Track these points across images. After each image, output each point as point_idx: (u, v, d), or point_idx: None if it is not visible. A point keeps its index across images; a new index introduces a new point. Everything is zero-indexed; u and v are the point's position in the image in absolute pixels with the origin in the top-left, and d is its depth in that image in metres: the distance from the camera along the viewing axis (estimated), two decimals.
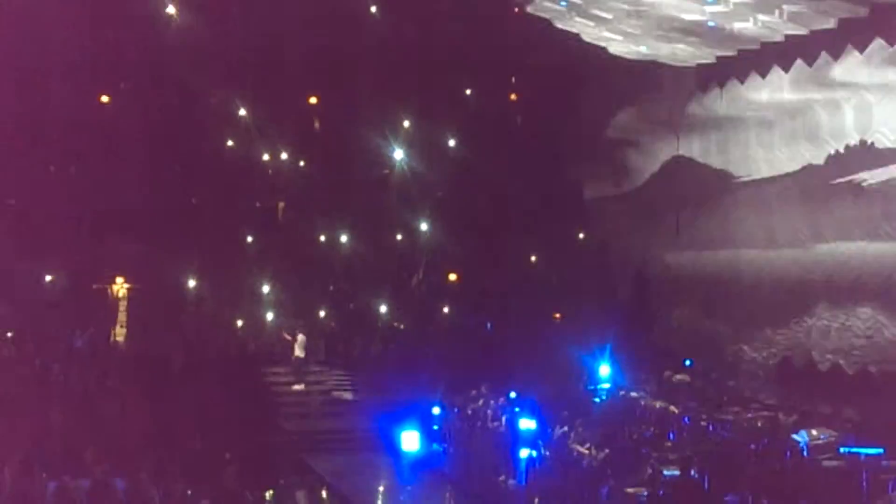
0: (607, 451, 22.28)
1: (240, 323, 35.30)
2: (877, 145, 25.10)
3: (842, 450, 22.32)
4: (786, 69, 27.13)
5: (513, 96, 38.24)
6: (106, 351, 32.65)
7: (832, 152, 26.57)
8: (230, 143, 37.20)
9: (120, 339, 34.31)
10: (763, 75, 27.98)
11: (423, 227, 37.31)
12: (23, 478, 22.96)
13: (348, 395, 32.48)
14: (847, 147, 25.99)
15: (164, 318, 34.10)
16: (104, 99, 36.50)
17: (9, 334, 32.30)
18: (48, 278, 35.28)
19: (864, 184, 25.58)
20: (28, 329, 32.59)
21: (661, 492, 20.49)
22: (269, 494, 25.41)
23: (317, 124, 38.26)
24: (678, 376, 29.74)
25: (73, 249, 35.46)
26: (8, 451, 24.48)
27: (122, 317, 35.24)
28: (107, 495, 22.76)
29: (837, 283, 26.97)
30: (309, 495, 26.29)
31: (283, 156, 37.81)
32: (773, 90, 27.91)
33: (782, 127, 28.02)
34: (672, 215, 31.90)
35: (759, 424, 25.30)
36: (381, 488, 25.87)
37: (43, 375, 30.03)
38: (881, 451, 21.78)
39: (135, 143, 35.44)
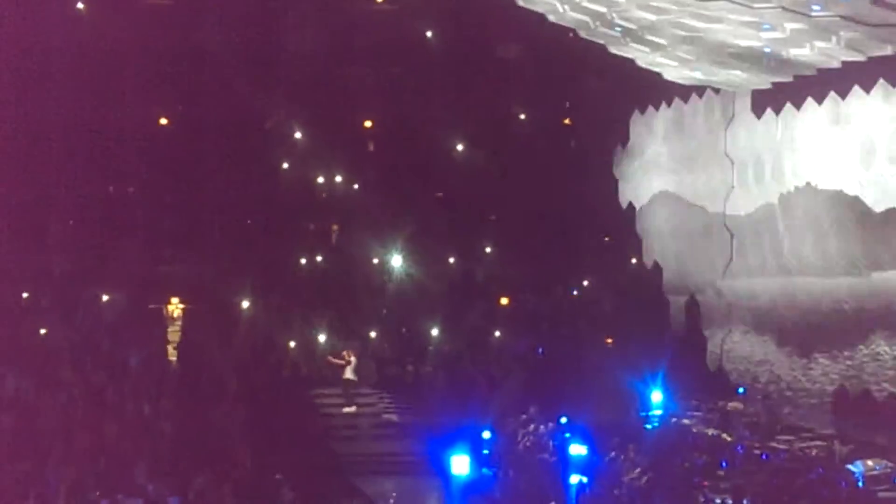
0: (658, 478, 22.09)
1: (292, 344, 35.45)
2: None
3: None
4: (843, 96, 27.00)
5: (567, 121, 38.24)
6: (160, 372, 32.88)
7: (890, 179, 26.31)
8: (285, 165, 37.51)
9: (174, 359, 34.54)
10: (819, 102, 27.85)
11: (476, 250, 37.35)
12: (77, 496, 23.28)
13: (399, 418, 32.48)
14: None
15: (217, 338, 34.32)
16: (163, 121, 36.97)
17: (66, 356, 32.64)
18: (105, 298, 35.67)
19: None
20: (85, 350, 32.94)
21: None
22: None
23: (371, 147, 38.49)
24: (731, 404, 29.48)
25: (130, 270, 35.88)
26: (64, 471, 24.85)
27: (176, 337, 35.49)
28: None
29: (894, 312, 26.67)
30: None
31: (338, 178, 38.06)
32: (828, 116, 27.76)
33: (836, 153, 27.78)
34: (726, 240, 31.70)
35: (814, 454, 25.03)
36: None
37: (98, 396, 30.32)
38: None
39: (192, 166, 35.92)
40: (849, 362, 28.05)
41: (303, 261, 37.27)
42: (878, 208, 26.67)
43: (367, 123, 37.94)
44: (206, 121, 36.26)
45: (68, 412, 28.68)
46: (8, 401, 29.29)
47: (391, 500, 26.49)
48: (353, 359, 33.35)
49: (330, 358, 33.59)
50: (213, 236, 36.08)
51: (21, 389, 30.10)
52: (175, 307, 37.32)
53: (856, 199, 27.26)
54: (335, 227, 38.76)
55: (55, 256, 35.46)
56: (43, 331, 33.74)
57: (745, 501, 20.85)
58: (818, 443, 25.79)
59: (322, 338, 35.33)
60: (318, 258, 37.30)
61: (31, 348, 32.52)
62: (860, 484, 22.24)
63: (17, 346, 31.93)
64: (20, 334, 33.01)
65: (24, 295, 35.14)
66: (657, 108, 33.96)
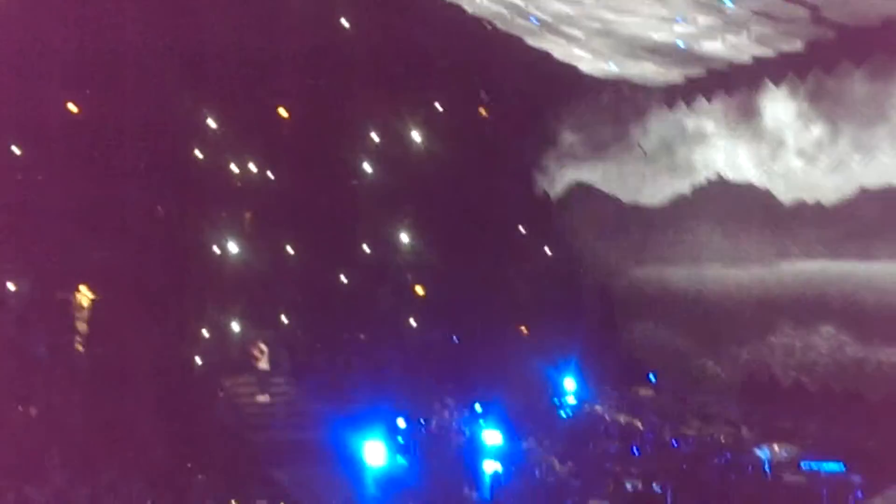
0: (571, 464, 22.36)
1: (205, 333, 35.12)
2: (843, 166, 25.47)
3: (803, 465, 22.54)
4: (754, 90, 27.54)
5: (483, 111, 38.34)
6: (68, 361, 32.39)
7: (799, 172, 26.92)
8: (198, 153, 37.07)
9: (82, 349, 33.97)
10: (731, 95, 28.39)
11: (391, 238, 37.33)
12: None
13: (312, 406, 32.37)
14: (813, 166, 26.34)
15: (127, 328, 33.84)
16: (72, 108, 36.30)
17: None
18: (11, 288, 34.98)
19: (827, 203, 25.98)
20: None
21: None
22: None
23: (286, 135, 38.18)
24: (642, 391, 29.92)
25: (36, 257, 35.21)
26: None
27: (84, 326, 34.89)
28: None
29: (801, 301, 27.29)
30: None
31: (251, 166, 37.73)
32: (741, 109, 28.29)
33: (748, 145, 28.34)
34: (638, 231, 32.17)
35: (723, 439, 25.53)
36: (344, 501, 25.74)
37: (4, 386, 29.76)
38: (842, 466, 22.01)
39: (101, 151, 35.31)
40: (757, 350, 28.63)
41: (215, 249, 36.86)
42: (787, 200, 27.28)
43: (283, 112, 37.63)
44: (117, 108, 35.62)
45: None
46: None
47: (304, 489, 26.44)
48: (264, 347, 33.22)
49: (253, 362, 33.42)
50: (123, 223, 35.48)
51: None
52: (83, 296, 36.69)
53: (765, 192, 27.84)
54: (248, 215, 38.38)
55: None
56: None
57: (655, 486, 21.17)
58: (726, 428, 26.29)
59: (235, 326, 35.05)
60: (231, 246, 36.89)
61: None
62: (767, 468, 22.71)
63: None
64: None
65: None
66: (573, 101, 34.28)
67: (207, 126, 36.86)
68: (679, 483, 22.08)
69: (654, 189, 31.58)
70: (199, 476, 25.30)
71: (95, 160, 35.23)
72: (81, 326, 34.48)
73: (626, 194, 32.57)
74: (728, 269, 29.58)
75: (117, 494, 23.58)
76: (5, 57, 32.51)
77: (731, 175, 28.95)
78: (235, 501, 25.54)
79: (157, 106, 35.50)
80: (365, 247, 37.57)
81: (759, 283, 28.58)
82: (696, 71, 27.40)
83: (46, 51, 33.80)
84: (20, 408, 28.64)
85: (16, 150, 35.35)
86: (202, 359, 33.95)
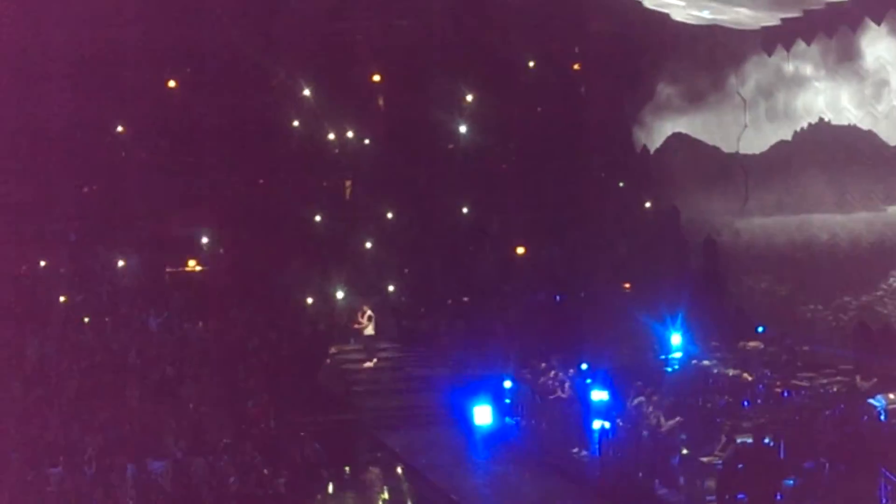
0: (680, 420, 22.12)
1: (310, 301, 35.53)
2: None
3: None
4: (854, 29, 26.77)
5: (576, 66, 37.95)
6: (181, 334, 33.03)
7: None
8: (296, 123, 37.41)
9: (194, 321, 34.60)
10: (830, 36, 27.62)
11: (490, 200, 37.30)
12: (104, 461, 23.48)
13: (420, 371, 32.60)
14: None
15: (236, 299, 34.42)
16: (171, 84, 36.87)
17: (85, 320, 32.81)
18: (121, 263, 35.79)
19: None
20: (104, 315, 33.10)
21: (736, 460, 20.33)
22: (344, 471, 25.64)
23: (381, 101, 38.32)
24: (751, 343, 29.41)
25: (146, 233, 35.98)
26: (89, 436, 25.05)
27: (195, 299, 35.52)
28: (185, 476, 23.21)
29: None
30: (383, 471, 26.47)
31: (349, 134, 37.96)
32: (841, 50, 27.55)
33: (850, 87, 27.58)
34: (740, 180, 31.60)
35: (835, 390, 24.99)
36: (455, 463, 25.91)
37: (120, 360, 30.51)
38: None
39: (203, 127, 35.85)
40: (868, 297, 27.99)
41: (317, 217, 37.22)
42: (893, 142, 26.51)
43: (376, 77, 37.73)
44: (214, 84, 36.12)
45: (92, 378, 28.88)
46: (31, 368, 29.52)
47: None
48: (371, 314, 33.48)
49: (355, 325, 33.68)
50: (227, 197, 36.04)
51: (44, 357, 30.33)
52: (193, 269, 37.40)
53: (870, 134, 27.08)
54: (348, 183, 38.68)
55: (71, 223, 35.56)
56: (62, 298, 33.93)
57: (766, 440, 20.83)
58: (839, 378, 25.75)
59: (340, 294, 35.37)
60: (332, 214, 37.21)
61: (52, 315, 32.73)
62: (882, 417, 22.20)
63: (38, 314, 32.15)
64: (40, 302, 33.23)
65: (42, 263, 35.27)
66: (668, 49, 33.68)
67: (304, 96, 37.16)
68: (791, 435, 21.70)
69: (755, 137, 30.93)
70: (314, 444, 25.62)
71: (198, 135, 35.81)
72: (191, 299, 35.09)
73: (726, 144, 31.96)
74: (835, 216, 28.90)
75: (233, 463, 23.95)
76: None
77: (833, 119, 28.20)
78: (349, 468, 25.87)
79: (253, 79, 35.94)
80: (464, 209, 37.61)
81: (868, 229, 27.87)
82: (793, 13, 26.62)
83: (152, 31, 34.40)
84: (135, 382, 29.21)
85: (114, 125, 36.09)
86: (310, 327, 34.33)
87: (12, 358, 29.55)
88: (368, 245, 37.00)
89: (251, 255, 35.73)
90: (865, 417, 22.29)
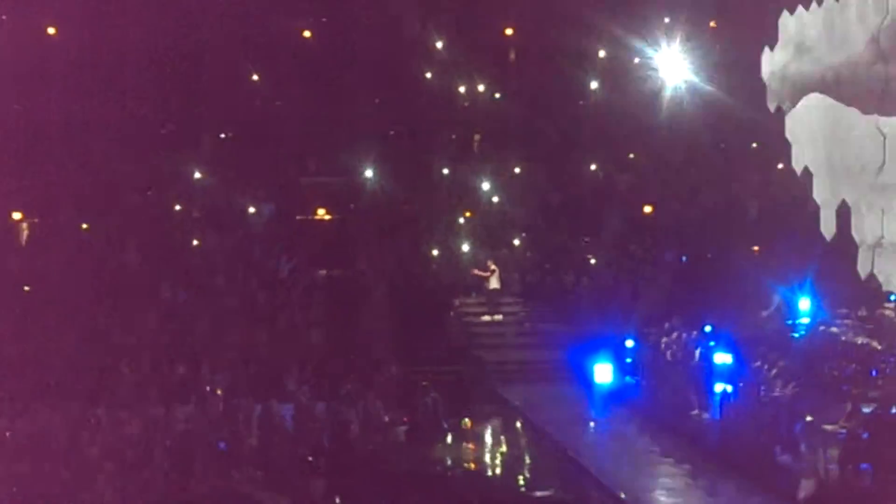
0: (804, 387, 21.81)
1: (436, 253, 35.77)
2: None
3: None
4: None
5: (712, 23, 37.21)
6: (310, 280, 33.63)
7: None
8: (428, 74, 37.53)
9: (323, 268, 35.19)
10: None
11: (619, 158, 36.97)
12: (232, 401, 24.20)
13: (543, 327, 32.63)
14: None
15: (364, 247, 34.84)
16: (306, 34, 37.30)
17: (217, 265, 33.61)
18: (252, 210, 36.50)
19: None
20: (235, 260, 33.85)
21: (861, 429, 19.96)
22: (464, 423, 25.87)
23: (512, 56, 38.19)
24: (883, 311, 28.72)
25: (277, 182, 36.61)
26: (218, 377, 25.83)
27: (324, 247, 36.06)
28: (309, 418, 23.77)
29: None
30: (503, 425, 26.67)
31: (480, 88, 37.95)
32: None
33: None
34: (879, 145, 30.63)
35: None
36: (574, 420, 25.97)
37: (250, 305, 31.24)
38: None
39: (336, 78, 36.22)
40: None
41: (445, 171, 37.38)
42: None
43: (508, 31, 37.60)
44: (348, 33, 36.44)
45: (222, 320, 29.67)
46: (166, 309, 30.44)
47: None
48: (496, 268, 33.56)
49: (476, 271, 33.78)
50: (355, 148, 36.42)
51: (177, 298, 31.25)
52: (322, 218, 37.93)
53: None
54: (477, 137, 38.70)
55: (206, 169, 36.35)
56: (195, 241, 34.80)
57: (893, 409, 20.39)
58: None
59: (466, 247, 35.53)
60: (461, 167, 37.31)
61: (186, 258, 33.63)
62: None
63: (172, 257, 33.06)
64: (174, 245, 34.13)
65: (177, 207, 36.17)
66: (807, 7, 32.81)
67: (437, 48, 37.23)
68: None
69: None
70: (433, 394, 25.91)
71: (331, 86, 36.17)
72: (321, 247, 35.63)
73: (864, 104, 30.99)
74: None
75: (355, 409, 24.39)
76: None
77: None
78: (469, 420, 26.10)
79: (387, 30, 36.13)
80: (593, 167, 37.37)
81: None
82: None
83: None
84: (263, 327, 29.92)
85: (251, 73, 36.64)
86: (435, 279, 34.56)
87: (148, 298, 30.50)
88: (495, 199, 37.03)
89: (379, 203, 36.11)
90: None
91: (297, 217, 37.53)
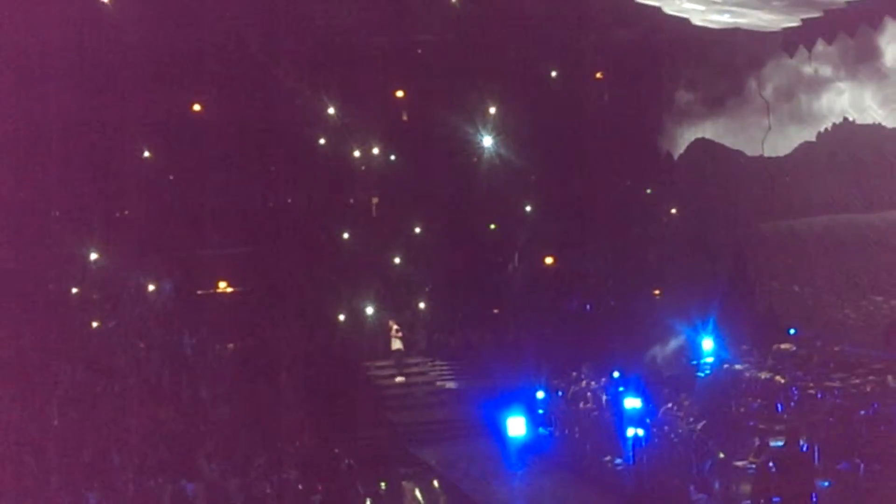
0: (712, 425, 22.08)
1: (341, 318, 35.63)
2: None
3: None
4: (874, 27, 26.73)
5: (598, 74, 37.97)
6: (214, 355, 33.18)
7: None
8: (321, 141, 37.58)
9: (227, 342, 34.76)
10: (852, 35, 27.60)
11: (517, 212, 37.31)
12: (142, 482, 23.64)
13: (451, 385, 32.63)
14: None
15: (267, 318, 34.55)
16: (196, 107, 37.11)
17: (118, 345, 33.00)
18: (152, 287, 36.00)
19: None
20: (137, 339, 33.27)
21: (770, 464, 20.26)
22: (380, 486, 25.65)
23: (405, 117, 38.45)
24: (783, 346, 29.32)
25: (175, 257, 36.18)
26: (127, 457, 25.23)
27: (226, 320, 35.65)
28: (222, 495, 23.31)
29: None
30: (419, 485, 26.49)
31: (374, 150, 38.12)
32: (862, 49, 27.50)
33: (872, 86, 27.53)
34: (766, 183, 31.55)
35: (868, 389, 24.87)
36: (490, 474, 25.91)
37: (155, 383, 30.68)
38: None
39: (229, 149, 36.05)
40: None
41: (345, 235, 37.35)
42: None
43: (399, 94, 37.88)
44: (239, 104, 36.35)
45: (127, 401, 29.06)
46: (67, 393, 29.73)
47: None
48: (398, 328, 33.57)
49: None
50: (254, 217, 36.23)
51: (79, 381, 30.55)
52: (223, 291, 37.54)
53: (895, 132, 27.02)
54: (375, 200, 38.78)
55: (101, 249, 35.78)
56: (95, 323, 34.15)
57: (801, 442, 20.75)
58: (872, 378, 25.62)
59: (370, 310, 35.46)
60: (360, 231, 37.32)
61: (85, 341, 32.94)
62: None
63: (71, 340, 32.36)
64: (73, 328, 33.43)
65: (74, 290, 35.51)
66: (688, 56, 33.75)
67: (328, 113, 37.33)
68: (825, 437, 21.62)
69: (778, 139, 30.89)
70: (347, 461, 25.64)
71: (225, 158, 35.99)
72: (223, 320, 35.20)
73: (749, 147, 31.93)
74: (862, 216, 28.81)
75: (269, 483, 24.03)
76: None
77: (857, 118, 28.15)
78: (385, 483, 25.87)
79: (278, 96, 36.12)
80: (492, 222, 37.64)
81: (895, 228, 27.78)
82: (813, 13, 26.63)
83: (166, 44, 34.60)
84: (169, 404, 29.38)
85: (142, 149, 36.34)
86: (341, 345, 34.38)
87: (48, 383, 29.78)
88: (397, 260, 37.08)
89: (281, 273, 35.87)
90: None
91: (199, 291, 37.09)
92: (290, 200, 37.87)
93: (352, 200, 38.64)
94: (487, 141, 37.02)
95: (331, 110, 37.38)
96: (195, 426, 27.97)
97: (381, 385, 32.97)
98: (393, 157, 38.13)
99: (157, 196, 36.03)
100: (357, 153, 38.09)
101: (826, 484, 19.70)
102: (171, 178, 37.09)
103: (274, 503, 23.18)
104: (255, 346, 33.47)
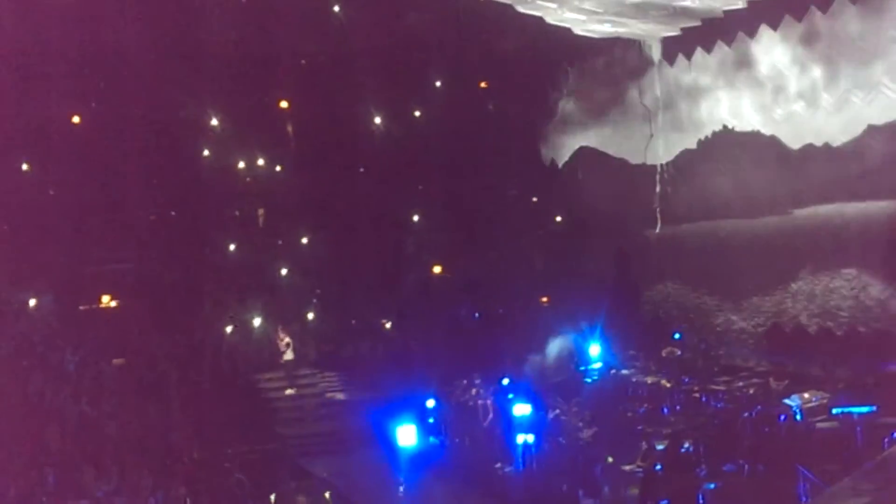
0: (601, 430, 22.37)
1: (229, 330, 35.23)
2: (847, 106, 25.33)
3: (835, 411, 22.45)
4: (751, 36, 27.36)
5: (483, 84, 38.22)
6: (98, 371, 32.51)
7: (804, 115, 26.74)
8: (206, 153, 37.15)
9: (111, 357, 34.09)
10: (729, 44, 28.21)
11: (405, 221, 37.33)
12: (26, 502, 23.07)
13: (341, 396, 32.51)
14: (817, 109, 26.21)
15: (153, 332, 34.00)
16: (75, 119, 36.37)
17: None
18: (33, 303, 35.15)
19: (836, 144, 25.85)
20: (18, 356, 32.43)
21: (657, 466, 20.60)
22: (270, 500, 25.43)
23: (290, 128, 38.19)
24: (668, 350, 29.85)
25: (56, 272, 35.38)
26: (9, 478, 24.56)
27: (111, 335, 34.97)
28: None
29: (820, 246, 27.16)
30: (310, 498, 26.32)
31: (260, 161, 37.81)
32: (739, 57, 28.14)
33: (750, 94, 28.15)
34: (649, 190, 32.06)
35: (752, 392, 25.45)
36: (380, 485, 25.85)
37: (37, 401, 29.93)
38: (873, 408, 21.91)
39: (110, 161, 35.37)
40: (779, 299, 28.51)
41: (232, 247, 36.96)
42: (795, 145, 27.09)
43: (284, 104, 37.63)
44: (119, 115, 35.69)
45: (8, 421, 28.29)
46: None
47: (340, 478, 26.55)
48: (289, 340, 33.35)
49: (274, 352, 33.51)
50: (139, 231, 35.63)
51: None
52: (107, 305, 36.84)
53: (773, 139, 27.66)
54: (261, 211, 38.44)
55: None
56: None
57: (686, 445, 21.14)
58: (755, 381, 26.21)
59: (257, 322, 35.14)
60: (247, 243, 36.96)
61: None
62: (798, 417, 22.63)
63: None
64: None
65: None
66: (571, 64, 34.18)
67: (211, 125, 36.92)
68: (711, 439, 22.06)
69: (660, 147, 31.43)
70: (237, 475, 25.37)
71: (106, 171, 35.32)
72: (107, 336, 34.54)
73: (632, 155, 32.44)
74: (743, 221, 29.45)
75: (157, 500, 23.65)
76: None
77: (736, 125, 28.78)
78: (275, 497, 25.65)
79: (159, 108, 35.58)
80: (380, 231, 37.59)
81: (776, 232, 28.44)
82: (692, 23, 27.17)
83: (42, 54, 33.83)
84: (52, 422, 28.70)
85: (21, 162, 35.50)
86: (229, 358, 34.02)
87: None
88: (284, 272, 36.80)
89: (166, 287, 35.35)
90: (783, 417, 22.71)
91: (81, 307, 36.33)
92: (173, 213, 37.33)
93: (237, 212, 38.24)
94: (373, 151, 36.98)
95: (214, 121, 36.97)
96: (81, 445, 27.39)
97: (271, 398, 32.67)
98: (279, 168, 37.85)
99: (37, 210, 35.17)
100: (242, 164, 37.73)
101: (712, 486, 20.06)
102: (52, 192, 36.24)
103: None
104: (141, 361, 32.91)
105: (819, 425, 22.20)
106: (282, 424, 31.11)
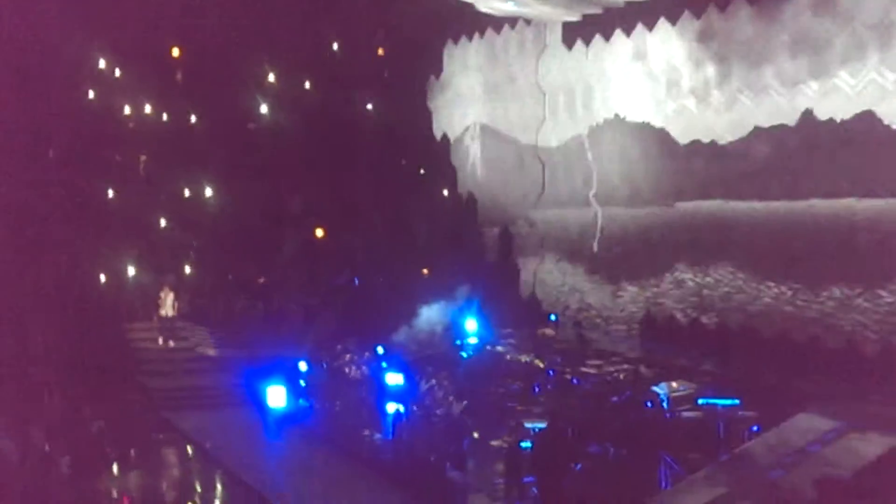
0: (472, 404, 22.47)
1: (102, 279, 34.44)
2: (736, 106, 25.85)
3: (700, 401, 22.89)
4: (650, 28, 27.68)
5: (380, 51, 37.98)
6: None
7: (694, 111, 27.18)
8: (91, 94, 36.20)
9: None
10: (628, 34, 28.49)
11: (290, 182, 36.92)
12: None
13: (213, 352, 32.08)
14: (707, 106, 26.67)
15: (20, 275, 33.04)
16: None
17: None
18: None
19: (722, 142, 26.33)
20: None
21: (524, 444, 20.76)
22: (131, 452, 24.96)
23: (179, 76, 37.43)
24: (542, 331, 30.13)
25: None
26: None
27: None
28: None
29: (698, 240, 27.67)
30: (172, 452, 25.93)
31: (146, 108, 36.99)
32: (636, 49, 28.43)
33: (644, 86, 28.50)
34: (537, 171, 32.28)
35: (622, 377, 25.82)
36: (245, 445, 25.58)
37: None
38: (737, 402, 22.43)
39: None
40: (655, 289, 29.00)
41: (110, 193, 36.11)
42: (683, 140, 27.54)
43: (175, 52, 36.85)
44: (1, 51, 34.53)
45: None
46: None
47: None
48: (167, 292, 32.79)
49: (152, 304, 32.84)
50: (13, 166, 34.53)
51: None
52: None
53: (662, 131, 28.06)
54: (143, 158, 37.60)
55: None
56: None
57: (555, 424, 21.31)
58: (626, 366, 26.61)
59: (132, 271, 34.44)
60: (126, 190, 36.13)
61: None
62: (665, 405, 23.02)
63: None
64: None
65: None
66: (470, 39, 34.17)
67: (100, 68, 36.01)
68: (579, 420, 22.30)
69: (553, 130, 31.65)
70: (97, 423, 24.87)
71: None
72: None
73: (524, 135, 32.61)
74: (626, 209, 29.85)
75: (14, 442, 23.09)
76: None
77: (627, 116, 29.12)
78: (134, 449, 25.19)
79: (47, 48, 34.57)
80: (264, 189, 37.12)
81: (657, 223, 28.89)
82: (593, 10, 27.41)
83: None
84: None
85: None
86: (101, 305, 33.27)
87: None
88: (164, 223, 36.11)
89: (42, 228, 34.38)
90: (649, 404, 23.09)
91: None
92: (51, 153, 36.28)
93: (118, 157, 37.34)
94: (264, 107, 36.49)
95: (102, 64, 36.04)
96: None
97: (139, 349, 32.09)
98: (165, 117, 37.09)
99: None
100: (128, 110, 36.88)
101: (577, 466, 20.30)
102: None
103: (19, 464, 22.27)
104: (4, 304, 31.98)
105: (684, 414, 22.61)
106: (149, 377, 30.54)
